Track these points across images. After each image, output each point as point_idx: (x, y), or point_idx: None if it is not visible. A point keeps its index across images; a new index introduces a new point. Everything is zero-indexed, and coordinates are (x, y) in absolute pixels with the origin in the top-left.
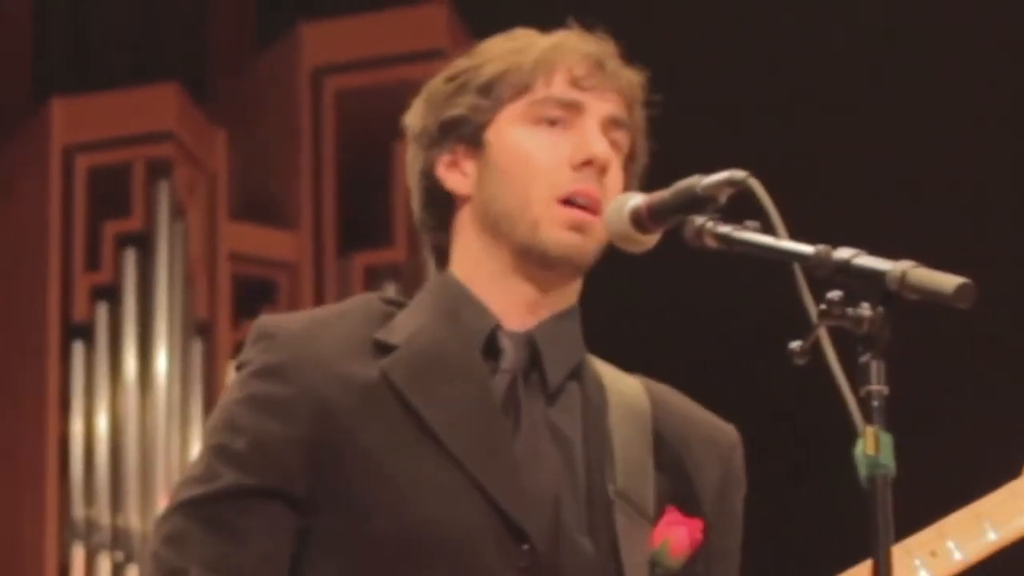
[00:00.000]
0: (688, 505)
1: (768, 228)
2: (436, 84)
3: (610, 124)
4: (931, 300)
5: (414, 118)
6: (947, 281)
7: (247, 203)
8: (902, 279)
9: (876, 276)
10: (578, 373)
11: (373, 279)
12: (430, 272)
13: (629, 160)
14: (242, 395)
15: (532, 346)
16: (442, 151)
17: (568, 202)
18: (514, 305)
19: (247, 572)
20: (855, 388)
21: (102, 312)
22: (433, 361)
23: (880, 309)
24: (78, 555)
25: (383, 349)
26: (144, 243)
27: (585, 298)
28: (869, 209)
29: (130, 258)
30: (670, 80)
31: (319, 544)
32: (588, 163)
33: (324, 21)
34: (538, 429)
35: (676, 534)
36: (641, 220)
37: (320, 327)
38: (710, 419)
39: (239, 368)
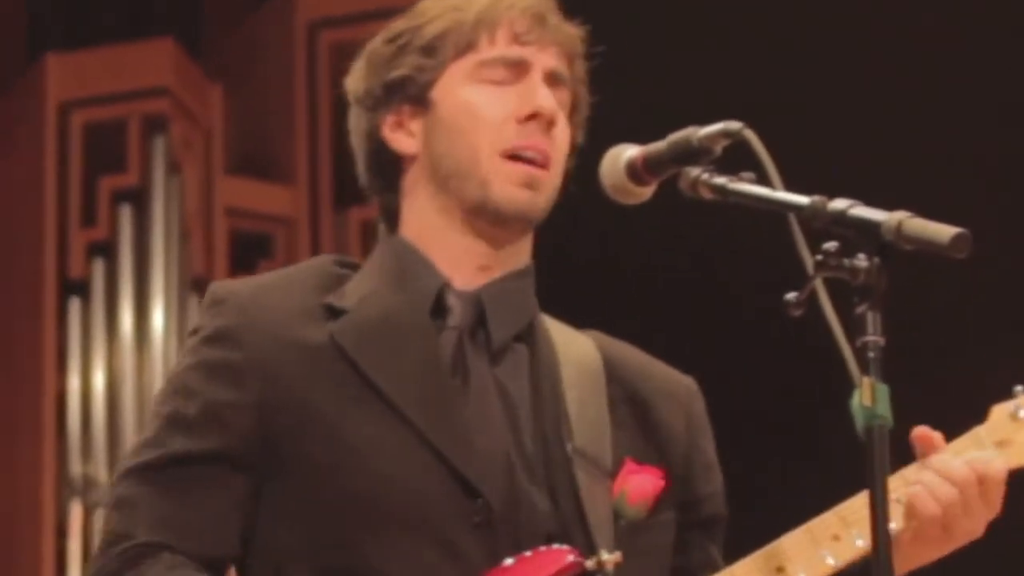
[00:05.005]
0: (650, 456)
1: (764, 179)
2: (376, 46)
3: (552, 78)
4: (927, 250)
5: (355, 81)
6: (943, 231)
7: (243, 158)
8: (898, 229)
9: (872, 226)
10: (528, 334)
11: (368, 234)
12: (380, 235)
13: (573, 112)
14: (193, 361)
15: (479, 304)
16: (387, 112)
17: (515, 157)
18: (465, 264)
19: (193, 532)
20: (851, 339)
21: (98, 268)
22: (381, 324)
23: (876, 259)
24: (75, 512)
25: (333, 313)
26: (140, 199)
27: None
28: (865, 161)
29: (126, 214)
30: (665, 32)
31: (274, 507)
32: (534, 116)
33: None
34: (487, 387)
35: (632, 483)
36: (637, 172)
37: (271, 291)
38: (667, 371)
39: (192, 334)
